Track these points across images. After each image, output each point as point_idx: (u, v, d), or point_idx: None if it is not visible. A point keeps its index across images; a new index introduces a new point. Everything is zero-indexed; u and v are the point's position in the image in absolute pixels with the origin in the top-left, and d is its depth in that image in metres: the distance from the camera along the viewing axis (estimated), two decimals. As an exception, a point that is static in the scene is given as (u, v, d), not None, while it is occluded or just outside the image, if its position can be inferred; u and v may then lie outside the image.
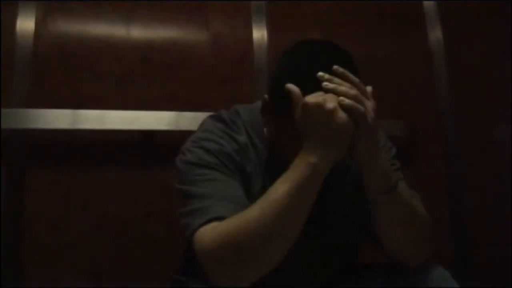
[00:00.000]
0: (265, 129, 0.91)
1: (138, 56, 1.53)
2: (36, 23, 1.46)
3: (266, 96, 0.85)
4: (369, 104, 0.74)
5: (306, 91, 0.74)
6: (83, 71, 1.48)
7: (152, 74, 1.53)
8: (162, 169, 1.47)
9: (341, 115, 0.70)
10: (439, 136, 1.74)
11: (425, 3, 1.84)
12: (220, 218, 0.74)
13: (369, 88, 0.77)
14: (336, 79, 0.74)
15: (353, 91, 0.72)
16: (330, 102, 0.71)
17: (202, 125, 0.94)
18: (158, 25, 1.57)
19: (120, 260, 1.41)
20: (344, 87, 0.73)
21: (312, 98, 0.72)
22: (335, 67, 0.74)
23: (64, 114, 1.37)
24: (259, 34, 1.63)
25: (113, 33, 1.54)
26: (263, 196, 0.73)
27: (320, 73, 0.74)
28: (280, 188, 0.72)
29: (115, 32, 1.54)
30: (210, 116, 0.94)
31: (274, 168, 0.86)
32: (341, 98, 0.71)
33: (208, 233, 0.73)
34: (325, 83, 0.73)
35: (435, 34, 1.81)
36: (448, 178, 1.72)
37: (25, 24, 1.45)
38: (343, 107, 0.71)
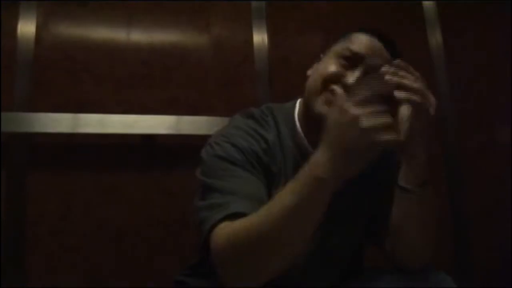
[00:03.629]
0: (298, 125, 0.91)
1: (138, 60, 1.53)
2: (37, 27, 1.46)
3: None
4: (432, 98, 0.73)
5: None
6: (84, 74, 1.48)
7: (153, 78, 1.53)
8: (162, 172, 1.47)
9: (377, 136, 0.63)
10: (440, 137, 1.74)
11: (425, 3, 1.84)
12: (239, 214, 0.73)
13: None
14: (401, 72, 0.72)
15: (418, 84, 0.71)
16: (369, 119, 0.63)
17: (232, 121, 0.93)
18: (158, 28, 1.58)
19: (120, 263, 1.41)
20: (408, 80, 0.71)
21: (355, 109, 0.64)
22: (397, 61, 0.73)
23: (64, 118, 1.37)
24: (260, 37, 1.63)
25: (113, 36, 1.54)
26: (270, 202, 0.71)
27: (385, 69, 0.72)
28: (285, 199, 0.68)
29: (116, 36, 1.54)
30: (240, 113, 0.94)
31: (297, 170, 0.87)
32: (409, 95, 0.70)
33: (221, 231, 0.73)
34: (388, 76, 0.71)
35: (435, 35, 1.81)
36: (448, 179, 1.72)
37: (26, 27, 1.45)
38: (410, 102, 0.70)
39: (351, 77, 0.84)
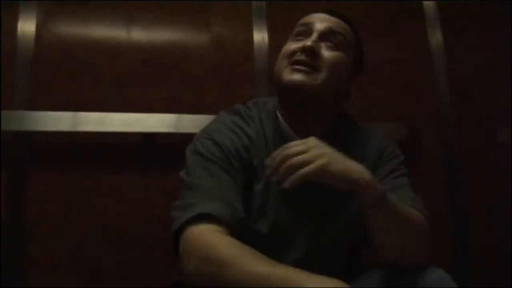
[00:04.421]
0: (279, 115, 0.93)
1: (139, 58, 1.53)
2: (37, 26, 1.47)
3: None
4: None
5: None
6: (84, 73, 1.48)
7: (153, 76, 1.53)
8: (162, 171, 1.47)
9: None
10: (440, 138, 1.74)
11: (425, 3, 1.84)
12: (206, 215, 0.75)
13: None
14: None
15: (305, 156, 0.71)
16: None
17: (217, 117, 0.95)
18: (158, 27, 1.58)
19: (120, 262, 1.41)
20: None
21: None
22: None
23: (65, 116, 1.37)
24: (260, 36, 1.63)
25: (114, 35, 1.54)
26: (257, 261, 0.69)
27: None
28: (264, 275, 0.67)
29: (116, 34, 1.55)
30: (226, 109, 0.96)
31: None
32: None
33: (198, 236, 0.74)
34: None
35: (435, 35, 1.81)
36: (448, 179, 1.72)
37: (26, 26, 1.45)
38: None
39: (308, 41, 0.87)
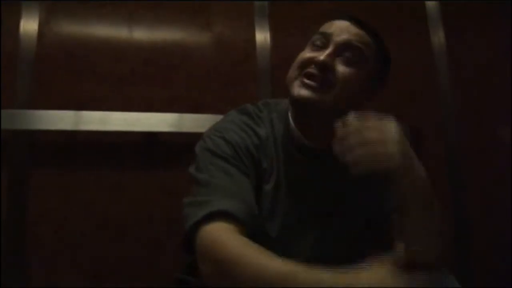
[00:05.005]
0: (291, 119, 0.91)
1: (140, 58, 1.53)
2: (40, 25, 1.47)
3: None
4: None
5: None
6: (86, 72, 1.48)
7: (155, 76, 1.53)
8: (163, 170, 1.47)
9: None
10: (440, 138, 1.75)
11: (428, 3, 1.84)
12: (222, 212, 0.73)
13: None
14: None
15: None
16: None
17: (226, 116, 0.94)
18: (160, 26, 1.58)
19: (121, 261, 1.41)
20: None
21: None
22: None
23: (66, 115, 1.38)
24: (262, 35, 1.63)
25: (115, 34, 1.54)
26: (282, 266, 0.67)
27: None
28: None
29: (118, 34, 1.55)
30: (236, 109, 0.94)
31: (290, 165, 0.88)
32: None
33: (214, 233, 0.72)
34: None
35: (437, 35, 1.81)
36: (450, 179, 1.72)
37: (29, 25, 1.45)
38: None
39: (322, 56, 0.85)
